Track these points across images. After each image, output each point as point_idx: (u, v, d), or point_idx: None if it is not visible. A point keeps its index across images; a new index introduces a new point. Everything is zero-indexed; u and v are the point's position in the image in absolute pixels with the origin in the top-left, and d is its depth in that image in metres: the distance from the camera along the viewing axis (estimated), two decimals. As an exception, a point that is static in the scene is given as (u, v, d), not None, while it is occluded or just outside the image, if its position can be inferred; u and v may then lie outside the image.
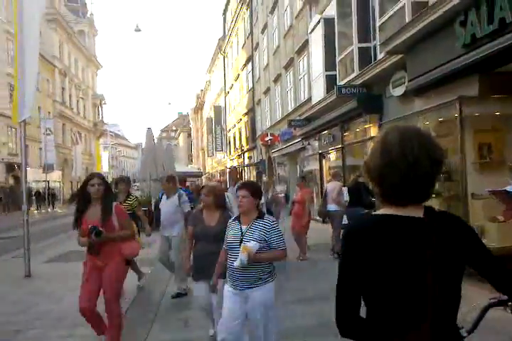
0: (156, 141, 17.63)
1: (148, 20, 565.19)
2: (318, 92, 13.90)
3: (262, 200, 7.02)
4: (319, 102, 12.99)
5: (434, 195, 6.76)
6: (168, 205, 6.45)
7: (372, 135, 9.99)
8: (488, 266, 1.42)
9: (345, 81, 10.81)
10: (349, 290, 1.36)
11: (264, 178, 11.33)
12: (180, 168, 24.61)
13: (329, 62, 13.26)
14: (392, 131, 1.41)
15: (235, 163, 37.43)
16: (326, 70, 13.25)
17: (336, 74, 12.96)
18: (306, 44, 16.67)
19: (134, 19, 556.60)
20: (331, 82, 13.00)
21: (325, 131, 13.52)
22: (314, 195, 14.95)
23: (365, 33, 10.48)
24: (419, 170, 1.32)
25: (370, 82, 9.90)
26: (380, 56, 9.40)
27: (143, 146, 18.22)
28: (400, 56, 8.09)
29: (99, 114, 58.72)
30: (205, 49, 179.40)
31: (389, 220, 1.35)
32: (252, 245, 3.11)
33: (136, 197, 6.94)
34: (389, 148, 1.35)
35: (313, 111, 13.74)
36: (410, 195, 1.35)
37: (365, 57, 10.28)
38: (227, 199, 5.64)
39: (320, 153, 14.06)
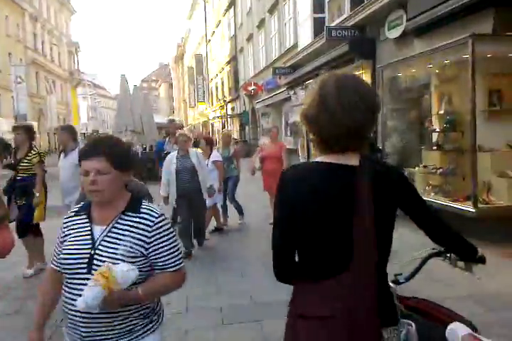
0: (132, 89, 16.55)
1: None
2: (305, 37, 12.95)
3: (218, 157, 6.70)
4: (306, 47, 12.08)
5: (435, 148, 6.25)
6: (65, 165, 5.05)
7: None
8: (422, 217, 1.49)
9: (335, 23, 9.91)
10: (285, 236, 1.38)
11: (224, 130, 10.06)
12: (160, 119, 23.61)
13: (317, 4, 12.26)
14: (327, 78, 1.39)
15: (218, 114, 36.40)
16: (314, 12, 12.25)
17: (325, 17, 12.02)
18: (292, -16, 15.42)
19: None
20: (319, 25, 12.06)
21: (312, 80, 12.66)
22: (299, 147, 14.40)
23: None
24: (354, 116, 1.32)
25: (362, 23, 9.03)
26: (375, -6, 8.48)
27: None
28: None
29: (74, 63, 55.91)
30: None
31: (323, 167, 1.38)
32: (119, 272, 1.55)
33: (40, 153, 5.09)
34: (325, 96, 1.35)
35: (300, 57, 12.83)
36: (346, 143, 1.36)
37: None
38: (196, 159, 5.69)
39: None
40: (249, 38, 23.89)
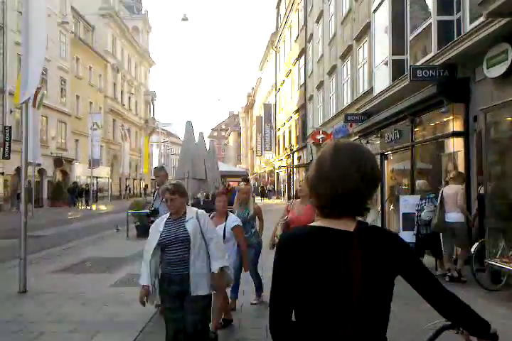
0: (197, 136, 16.15)
1: (199, 15, 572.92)
2: (382, 81, 11.85)
3: (234, 220, 4.83)
4: (384, 92, 10.95)
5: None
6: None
7: (454, 129, 7.89)
8: (426, 287, 1.44)
9: (419, 63, 8.73)
10: (280, 297, 1.40)
11: (241, 184, 7.87)
12: (225, 167, 23.15)
13: (396, 45, 11.22)
14: (329, 144, 1.46)
15: (284, 163, 35.65)
16: (392, 54, 11.20)
17: (405, 59, 10.93)
18: (367, 28, 14.63)
19: (186, 13, 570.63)
20: (398, 68, 10.96)
21: (389, 127, 11.44)
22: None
23: (445, 4, 8.38)
24: (347, 184, 1.35)
25: (453, 62, 7.81)
26: (468, 28, 7.31)
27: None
28: (503, 22, 6.04)
29: (150, 111, 58.66)
30: (258, 46, 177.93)
31: (319, 232, 1.39)
32: None
33: None
34: (322, 162, 1.41)
35: (375, 102, 11.70)
36: (340, 209, 1.39)
37: (446, 32, 8.19)
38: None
39: (382, 154, 11.96)
40: (320, 86, 23.28)
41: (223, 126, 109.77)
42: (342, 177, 1.36)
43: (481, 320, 1.48)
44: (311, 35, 25.62)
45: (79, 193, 30.98)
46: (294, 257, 1.36)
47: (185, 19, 31.94)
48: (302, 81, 28.71)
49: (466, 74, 7.76)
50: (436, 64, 7.95)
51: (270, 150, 42.54)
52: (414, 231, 7.06)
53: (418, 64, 9.26)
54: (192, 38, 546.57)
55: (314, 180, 1.42)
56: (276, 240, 5.41)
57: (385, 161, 12.12)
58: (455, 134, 7.82)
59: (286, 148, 35.04)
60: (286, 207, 5.59)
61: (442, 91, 7.74)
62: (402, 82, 9.62)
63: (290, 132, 34.04)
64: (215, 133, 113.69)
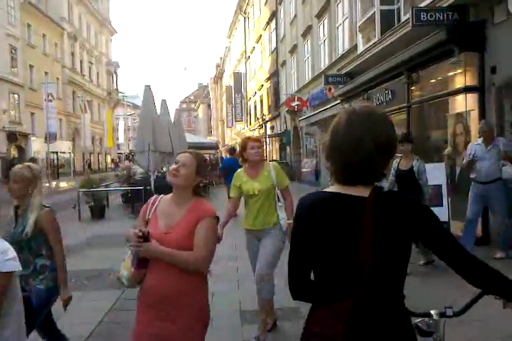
0: (159, 105, 14.42)
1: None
2: (368, 37, 10.42)
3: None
4: (372, 47, 9.51)
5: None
6: None
7: (467, 84, 6.56)
8: (448, 253, 1.40)
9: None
10: (298, 258, 1.43)
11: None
12: (194, 139, 21.51)
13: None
14: (344, 112, 1.44)
15: (256, 134, 34.14)
16: (380, 4, 9.74)
17: (394, 10, 9.49)
18: (347, -20, 13.05)
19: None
20: (387, 20, 9.53)
21: (379, 87, 10.06)
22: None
23: None
24: (360, 152, 1.34)
25: (464, 2, 6.41)
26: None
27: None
28: None
29: (113, 82, 55.54)
30: (225, 12, 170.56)
31: (334, 198, 1.40)
32: None
33: None
34: (336, 130, 1.40)
35: (362, 60, 10.27)
36: (355, 176, 1.38)
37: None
38: None
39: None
40: (293, 50, 21.62)
41: (192, 98, 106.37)
42: (355, 147, 1.34)
43: None
44: (283, -5, 23.74)
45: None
46: (310, 221, 1.38)
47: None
48: (274, 46, 26.91)
49: (480, 16, 6.39)
50: (444, 5, 6.53)
51: (241, 120, 40.92)
52: None
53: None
54: (156, 5, 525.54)
55: (329, 149, 1.42)
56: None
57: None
58: (467, 90, 6.51)
59: (258, 118, 33.51)
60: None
61: (452, 38, 6.36)
62: (397, 32, 8.20)
63: (262, 101, 32.38)
64: (184, 106, 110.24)
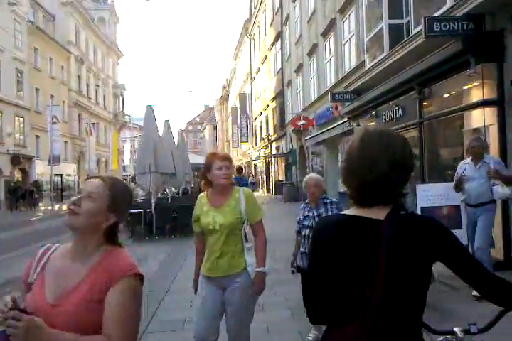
0: (163, 126, 14.11)
1: (170, 3, 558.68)
2: (376, 52, 10.07)
3: None
4: (381, 62, 9.15)
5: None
6: None
7: (485, 97, 6.11)
8: (469, 274, 1.37)
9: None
10: (312, 279, 1.41)
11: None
12: (197, 159, 21.14)
13: (394, 7, 9.45)
14: (358, 133, 1.43)
15: (261, 154, 33.78)
16: (389, 18, 9.42)
17: (403, 24, 9.16)
18: (353, -3, 12.85)
19: (157, 8, 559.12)
20: (395, 35, 9.20)
21: (387, 104, 9.65)
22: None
23: None
24: (375, 173, 1.33)
25: (479, 11, 6.02)
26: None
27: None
28: None
29: (119, 105, 55.84)
30: (231, 35, 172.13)
31: (350, 220, 1.39)
32: None
33: None
34: (350, 152, 1.40)
35: (369, 76, 9.90)
36: (371, 197, 1.37)
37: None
38: None
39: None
40: (298, 69, 21.43)
41: (198, 119, 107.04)
42: (369, 167, 1.34)
43: None
44: (288, 16, 23.73)
45: (22, 195, 26.96)
46: (326, 244, 1.37)
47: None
48: (279, 66, 26.85)
49: (498, 25, 5.99)
50: (459, 14, 6.15)
51: (247, 141, 40.68)
52: None
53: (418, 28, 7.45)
54: (163, 29, 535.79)
55: (344, 171, 1.42)
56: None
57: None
58: (485, 103, 6.05)
59: (263, 138, 33.22)
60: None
61: (468, 48, 5.95)
62: (407, 45, 7.83)
63: (267, 121, 32.16)
64: (190, 127, 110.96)
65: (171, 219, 11.10)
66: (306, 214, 3.89)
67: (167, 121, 14.12)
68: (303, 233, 3.85)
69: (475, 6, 5.90)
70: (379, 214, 1.34)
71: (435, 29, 6.08)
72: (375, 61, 9.62)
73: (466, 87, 6.74)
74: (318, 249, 1.39)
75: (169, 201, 13.42)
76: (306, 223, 3.84)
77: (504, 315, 1.48)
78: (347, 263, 1.34)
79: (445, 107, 7.33)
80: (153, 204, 11.34)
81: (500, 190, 4.73)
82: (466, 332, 1.46)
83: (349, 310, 1.33)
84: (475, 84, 6.43)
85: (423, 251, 1.32)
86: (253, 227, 2.95)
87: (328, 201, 3.89)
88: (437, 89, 7.59)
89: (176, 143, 15.80)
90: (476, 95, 6.40)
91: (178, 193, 16.67)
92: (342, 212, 1.46)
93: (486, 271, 1.37)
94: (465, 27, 6.08)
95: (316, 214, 3.80)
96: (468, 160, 5.18)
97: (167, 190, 14.21)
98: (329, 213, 3.70)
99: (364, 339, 1.28)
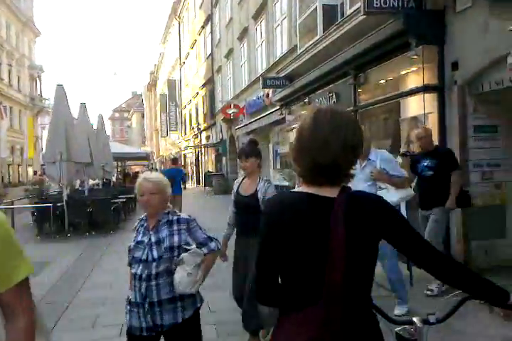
0: (77, 109, 12.72)
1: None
2: (310, 35, 9.51)
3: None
4: (313, 45, 8.58)
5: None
6: None
7: (425, 83, 5.67)
8: (417, 251, 1.36)
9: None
10: (267, 259, 1.39)
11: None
12: (120, 148, 19.70)
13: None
14: (309, 112, 1.42)
15: (191, 144, 32.65)
16: (322, -2, 8.86)
17: (337, 5, 8.65)
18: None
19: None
20: (330, 16, 8.68)
21: (321, 90, 9.13)
22: (298, 183, 10.74)
23: None
24: (327, 154, 1.33)
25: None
26: None
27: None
28: None
29: (37, 88, 51.70)
30: (160, 17, 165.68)
31: (302, 197, 1.37)
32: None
33: None
34: (301, 132, 1.39)
35: (302, 60, 9.32)
36: (323, 177, 1.36)
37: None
38: None
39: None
40: (229, 54, 20.57)
41: (124, 106, 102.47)
42: (321, 148, 1.33)
43: (496, 288, 1.37)
44: (218, -3, 22.72)
45: None
46: (277, 221, 1.36)
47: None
48: (209, 51, 25.79)
49: (438, 5, 5.56)
50: (397, -9, 5.64)
51: (176, 130, 39.28)
52: None
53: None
54: (86, 7, 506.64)
55: (295, 151, 1.40)
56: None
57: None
58: (426, 89, 5.62)
59: (193, 127, 32.10)
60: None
61: (409, 28, 5.46)
62: (341, 27, 7.30)
63: (197, 109, 31.03)
64: (117, 115, 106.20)
65: (86, 214, 9.92)
66: (140, 238, 2.47)
67: (83, 104, 12.72)
68: (133, 270, 2.43)
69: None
70: (330, 192, 1.35)
71: (375, 5, 5.54)
72: (308, 44, 9.05)
73: (404, 72, 6.30)
74: (270, 227, 1.37)
75: (86, 194, 12.16)
76: (138, 254, 2.43)
77: (462, 305, 1.50)
78: (302, 242, 1.32)
79: (382, 94, 6.88)
80: (64, 198, 10.09)
81: (388, 197, 3.52)
82: (425, 321, 1.47)
83: (308, 292, 1.31)
84: (414, 68, 6.00)
85: (374, 227, 1.33)
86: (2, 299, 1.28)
87: (174, 218, 2.48)
88: (374, 74, 7.13)
89: (96, 128, 14.44)
90: (416, 80, 5.97)
91: (98, 185, 15.31)
92: (293, 190, 1.46)
93: (440, 253, 1.37)
94: (405, 4, 5.60)
95: (153, 239, 2.41)
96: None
97: (85, 181, 12.87)
98: (182, 237, 2.45)
99: (329, 319, 1.27)
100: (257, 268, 1.40)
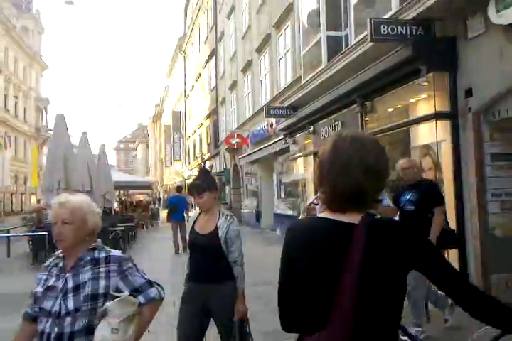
0: (78, 137, 12.62)
1: (101, 17, 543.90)
2: (312, 66, 9.46)
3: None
4: (318, 74, 8.48)
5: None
6: None
7: (437, 110, 5.47)
8: (446, 283, 1.31)
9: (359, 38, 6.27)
10: (289, 286, 1.36)
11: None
12: (122, 177, 19.50)
13: (331, 19, 8.91)
14: (331, 137, 1.39)
15: (194, 173, 32.48)
16: (327, 29, 8.84)
17: (342, 36, 8.61)
18: (289, 11, 12.34)
19: (86, 20, 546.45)
20: (334, 47, 8.62)
21: (326, 119, 8.97)
22: (302, 212, 10.46)
23: None
24: (347, 179, 1.28)
25: (428, 16, 5.45)
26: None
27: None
28: None
29: (42, 119, 52.23)
30: (165, 53, 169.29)
31: (323, 223, 1.33)
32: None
33: None
34: (322, 159, 1.36)
35: (307, 90, 9.21)
36: (345, 203, 1.31)
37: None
38: None
39: (316, 153, 9.46)
40: (233, 86, 20.69)
41: (129, 137, 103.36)
42: (341, 173, 1.29)
43: None
44: (222, 33, 23.12)
45: None
46: (296, 247, 1.34)
47: (69, 2, 27.76)
48: (213, 84, 26.04)
49: (448, 32, 5.44)
50: (408, 17, 5.54)
51: (180, 160, 39.30)
52: None
53: (358, 38, 6.84)
54: (93, 42, 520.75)
55: (317, 178, 1.39)
56: None
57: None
58: (438, 116, 5.41)
59: (196, 157, 32.02)
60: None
61: (419, 54, 5.31)
62: (347, 56, 7.20)
63: (201, 140, 31.07)
64: (122, 146, 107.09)
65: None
66: (52, 283, 1.87)
67: (84, 133, 12.61)
68: (40, 326, 1.82)
69: (423, 11, 5.30)
70: (352, 218, 1.29)
71: (382, 32, 5.42)
72: (312, 74, 8.96)
73: (414, 99, 6.13)
74: (290, 253, 1.35)
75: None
76: (47, 305, 1.83)
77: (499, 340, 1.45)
78: (319, 267, 1.28)
79: (390, 122, 6.68)
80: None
81: None
82: None
83: (321, 316, 1.26)
84: (424, 95, 5.82)
85: (399, 257, 1.27)
86: None
87: (101, 255, 1.91)
88: (381, 102, 6.96)
89: (97, 157, 14.29)
90: (427, 108, 5.77)
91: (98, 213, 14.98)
92: (315, 216, 1.43)
93: (469, 283, 1.31)
94: (414, 32, 5.48)
95: (70, 285, 1.83)
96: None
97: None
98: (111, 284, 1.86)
99: None
100: (280, 295, 1.38)
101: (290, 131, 11.22)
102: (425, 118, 5.67)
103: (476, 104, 5.05)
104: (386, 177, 1.33)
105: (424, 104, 5.93)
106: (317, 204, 4.16)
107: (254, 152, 15.91)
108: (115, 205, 23.36)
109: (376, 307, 1.25)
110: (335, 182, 1.28)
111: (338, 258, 1.24)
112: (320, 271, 1.27)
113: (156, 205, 33.06)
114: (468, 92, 5.12)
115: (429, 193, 4.20)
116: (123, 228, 11.63)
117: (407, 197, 4.27)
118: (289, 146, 11.51)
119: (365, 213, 1.30)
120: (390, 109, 6.81)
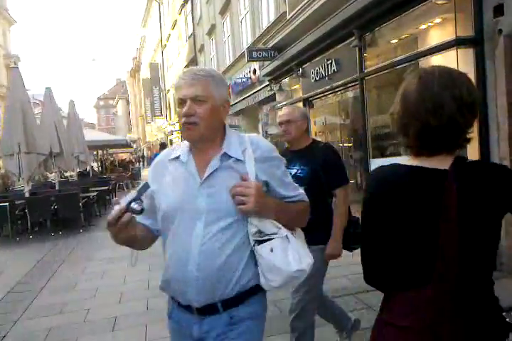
0: (44, 95, 11.31)
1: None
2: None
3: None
4: (308, 4, 7.26)
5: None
6: None
7: (459, 35, 4.41)
8: None
9: None
10: (374, 240, 1.25)
11: None
12: (97, 136, 18.27)
13: None
14: (412, 73, 1.24)
15: (176, 128, 31.25)
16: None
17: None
18: None
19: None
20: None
21: (317, 58, 7.83)
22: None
23: None
24: (441, 116, 1.15)
25: None
26: None
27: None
28: None
29: (14, 77, 49.50)
30: (139, 1, 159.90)
31: (409, 172, 1.20)
32: None
33: None
34: (407, 95, 1.21)
35: (294, 25, 7.99)
36: (435, 145, 1.19)
37: None
38: None
39: (306, 99, 8.37)
40: (211, 31, 19.08)
41: (107, 93, 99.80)
42: (433, 110, 1.15)
43: None
44: (197, -29, 21.08)
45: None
46: (383, 199, 1.21)
47: None
48: (190, 31, 24.24)
49: None
50: None
51: (161, 115, 37.81)
52: None
53: None
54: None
55: (400, 117, 1.22)
56: None
57: (312, 110, 8.54)
58: (460, 42, 4.37)
59: (177, 111, 30.67)
60: None
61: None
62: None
63: (181, 93, 29.51)
64: (102, 103, 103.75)
65: (50, 211, 8.63)
66: None
67: (48, 89, 11.27)
68: None
69: None
70: (443, 163, 1.18)
71: None
72: (300, 5, 7.71)
73: (424, 26, 5.01)
74: (375, 206, 1.22)
75: (57, 188, 10.84)
76: None
77: None
78: (411, 220, 1.17)
79: (394, 56, 5.59)
80: (26, 194, 8.80)
81: None
82: None
83: (417, 272, 1.19)
84: (437, 20, 4.72)
85: (496, 201, 1.17)
86: None
87: None
88: (384, 33, 5.83)
89: (67, 115, 13.06)
90: (443, 35, 4.69)
91: (65, 177, 13.95)
92: (399, 163, 1.23)
93: None
94: None
95: None
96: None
97: (54, 173, 11.53)
98: None
99: (445, 301, 1.17)
100: (364, 250, 1.27)
101: (275, 76, 10.07)
102: (442, 47, 4.61)
103: (508, 25, 4.01)
104: (478, 110, 1.18)
105: (439, 30, 4.83)
106: None
107: (237, 102, 14.76)
108: (95, 166, 22.28)
109: (477, 254, 1.18)
110: (425, 120, 1.15)
111: (433, 211, 1.15)
112: (413, 222, 1.17)
113: (139, 164, 31.98)
114: (498, 10, 4.06)
115: (328, 165, 2.66)
116: (95, 193, 10.65)
117: (293, 170, 2.70)
118: (274, 93, 10.40)
119: (454, 156, 1.19)
120: (395, 41, 5.71)
